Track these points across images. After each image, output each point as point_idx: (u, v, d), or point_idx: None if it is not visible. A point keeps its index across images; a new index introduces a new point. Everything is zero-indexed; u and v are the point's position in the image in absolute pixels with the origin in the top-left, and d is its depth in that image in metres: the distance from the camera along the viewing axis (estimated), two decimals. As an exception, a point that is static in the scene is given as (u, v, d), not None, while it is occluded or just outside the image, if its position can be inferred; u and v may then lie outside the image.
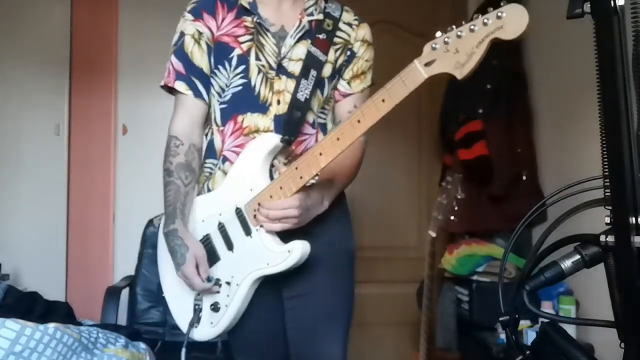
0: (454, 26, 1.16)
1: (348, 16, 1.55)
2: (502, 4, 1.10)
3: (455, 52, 1.15)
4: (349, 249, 1.58)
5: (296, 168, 1.35)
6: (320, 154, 1.31)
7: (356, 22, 1.55)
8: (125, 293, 2.72)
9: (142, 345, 2.12)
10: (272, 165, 1.46)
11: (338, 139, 1.28)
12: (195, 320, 1.48)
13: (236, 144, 1.48)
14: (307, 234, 1.45)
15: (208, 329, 1.49)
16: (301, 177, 1.34)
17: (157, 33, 2.96)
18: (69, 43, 3.13)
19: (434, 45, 1.17)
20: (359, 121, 1.26)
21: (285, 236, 1.41)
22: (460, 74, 1.16)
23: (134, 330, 2.43)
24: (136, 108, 3.14)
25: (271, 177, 1.44)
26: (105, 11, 3.15)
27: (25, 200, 3.08)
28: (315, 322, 1.49)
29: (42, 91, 3.10)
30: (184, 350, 1.45)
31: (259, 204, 1.40)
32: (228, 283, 1.45)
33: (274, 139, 1.43)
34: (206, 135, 1.57)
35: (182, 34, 1.51)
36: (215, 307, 1.47)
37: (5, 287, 2.49)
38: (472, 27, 1.13)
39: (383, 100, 1.23)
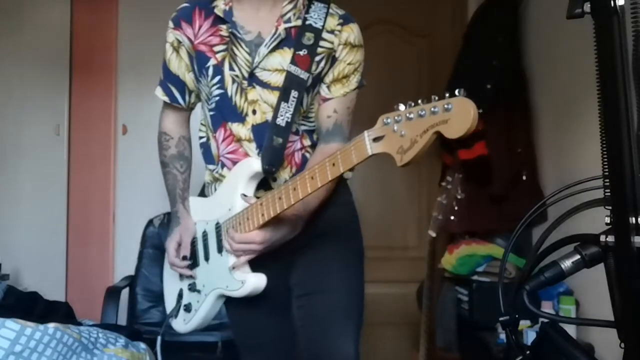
0: (411, 102, 1.07)
1: (332, 21, 1.46)
2: (457, 92, 1.00)
3: (401, 135, 1.07)
4: (358, 246, 1.58)
5: (261, 204, 1.36)
6: (280, 198, 1.32)
7: (339, 28, 1.45)
8: (125, 293, 2.72)
9: (142, 345, 2.12)
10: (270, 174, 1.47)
11: (294, 189, 1.29)
12: (175, 313, 1.60)
13: (229, 150, 1.50)
14: (316, 232, 1.48)
15: (182, 324, 1.60)
16: (262, 215, 1.36)
17: (156, 33, 2.96)
18: (69, 43, 3.13)
19: (385, 120, 1.10)
20: (312, 177, 1.26)
21: (287, 241, 1.43)
22: (400, 161, 1.07)
23: (134, 330, 2.43)
24: (136, 108, 3.14)
25: (268, 184, 1.48)
26: (105, 11, 3.15)
27: (25, 200, 3.08)
28: (328, 319, 1.48)
29: (42, 91, 3.10)
30: (159, 338, 1.59)
31: (227, 231, 1.44)
32: (199, 291, 1.54)
33: (256, 167, 1.44)
34: (204, 139, 1.58)
35: (165, 42, 1.57)
36: (187, 308, 1.56)
37: (5, 287, 2.49)
38: (421, 112, 1.04)
39: (333, 164, 1.21)
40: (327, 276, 1.50)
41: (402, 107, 1.09)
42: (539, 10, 2.74)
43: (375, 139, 1.12)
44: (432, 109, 1.02)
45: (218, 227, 1.49)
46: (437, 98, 1.03)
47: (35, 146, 3.09)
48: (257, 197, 1.42)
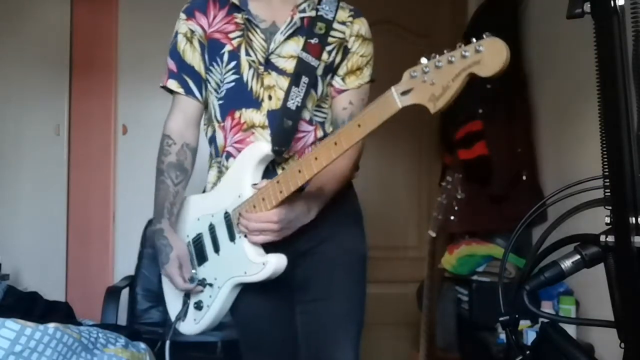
0: (436, 54, 1.10)
1: (343, 14, 1.51)
2: (484, 35, 1.03)
3: (432, 83, 1.09)
4: (362, 252, 1.57)
5: (277, 182, 1.35)
6: (299, 171, 1.30)
7: (350, 19, 1.51)
8: (125, 293, 2.72)
9: (142, 345, 2.12)
10: (273, 164, 1.46)
11: (316, 159, 1.27)
12: (182, 315, 1.53)
13: (236, 139, 1.48)
14: (321, 237, 1.47)
15: (192, 325, 1.54)
16: (281, 192, 1.34)
17: (156, 33, 2.96)
18: (69, 43, 3.13)
19: (412, 73, 1.12)
20: (335, 143, 1.24)
21: (288, 242, 1.42)
22: (433, 108, 1.09)
23: (134, 330, 2.43)
24: (136, 108, 3.14)
25: (275, 173, 1.46)
26: (105, 11, 3.15)
27: (25, 200, 3.08)
28: (331, 328, 1.48)
29: (42, 91, 3.10)
30: (167, 342, 1.51)
31: (240, 214, 1.41)
32: (211, 285, 1.49)
33: (265, 149, 1.43)
34: (210, 133, 1.57)
35: (176, 34, 1.54)
36: (198, 306, 1.51)
37: (5, 287, 2.49)
38: (450, 58, 1.06)
39: (359, 125, 1.20)
40: (332, 283, 1.49)
41: (424, 60, 1.11)
42: (539, 10, 2.74)
43: (404, 93, 1.13)
44: (463, 53, 1.05)
45: (227, 216, 1.46)
46: (462, 45, 1.06)
47: (35, 146, 3.09)
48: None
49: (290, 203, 1.37)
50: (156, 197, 1.52)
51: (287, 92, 1.44)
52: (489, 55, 1.02)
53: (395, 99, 1.14)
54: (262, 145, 1.44)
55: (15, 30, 3.08)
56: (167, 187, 1.51)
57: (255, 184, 1.41)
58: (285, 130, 1.44)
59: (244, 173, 1.44)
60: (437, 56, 1.09)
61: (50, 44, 3.11)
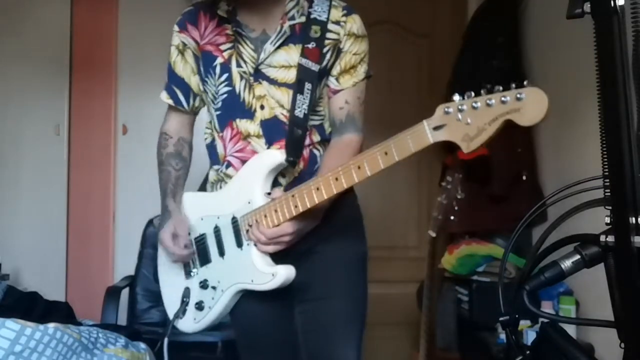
0: (472, 92, 1.09)
1: (336, 13, 1.49)
2: (525, 83, 1.04)
3: (467, 123, 1.09)
4: (362, 252, 1.57)
5: (293, 196, 1.35)
6: (317, 189, 1.31)
7: (344, 18, 1.48)
8: (125, 293, 2.72)
9: (142, 345, 2.12)
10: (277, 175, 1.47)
11: (337, 179, 1.28)
12: (181, 312, 1.56)
13: (237, 149, 1.50)
14: (320, 238, 1.47)
15: (191, 323, 1.56)
16: (296, 207, 1.35)
17: (156, 33, 2.96)
18: (69, 43, 3.13)
19: (446, 110, 1.11)
20: (359, 167, 1.25)
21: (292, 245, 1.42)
22: (467, 148, 1.09)
23: (134, 330, 2.43)
24: (136, 108, 3.14)
25: (276, 184, 1.46)
26: (105, 11, 3.15)
27: (25, 200, 3.09)
28: (331, 327, 1.48)
29: (42, 91, 3.10)
30: (166, 340, 1.53)
31: (249, 225, 1.42)
32: (214, 287, 1.50)
33: (279, 158, 1.42)
34: (209, 140, 1.58)
35: (170, 45, 1.59)
36: (199, 306, 1.53)
37: (5, 287, 2.49)
38: (488, 101, 1.06)
39: (386, 153, 1.21)
40: (331, 283, 1.50)
41: (457, 97, 1.10)
42: (539, 11, 2.74)
43: (436, 128, 1.13)
44: (502, 98, 1.04)
45: (235, 221, 1.46)
46: (501, 89, 1.06)
47: (35, 146, 3.09)
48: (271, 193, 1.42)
49: (301, 214, 1.37)
50: (160, 183, 1.61)
51: (293, 101, 1.44)
52: (530, 105, 1.01)
53: (427, 133, 1.14)
54: (275, 154, 1.43)
55: (15, 30, 3.08)
56: (169, 172, 1.60)
57: (269, 193, 1.41)
58: (296, 139, 1.44)
59: (255, 180, 1.44)
60: (473, 96, 1.08)
61: (50, 44, 3.11)
